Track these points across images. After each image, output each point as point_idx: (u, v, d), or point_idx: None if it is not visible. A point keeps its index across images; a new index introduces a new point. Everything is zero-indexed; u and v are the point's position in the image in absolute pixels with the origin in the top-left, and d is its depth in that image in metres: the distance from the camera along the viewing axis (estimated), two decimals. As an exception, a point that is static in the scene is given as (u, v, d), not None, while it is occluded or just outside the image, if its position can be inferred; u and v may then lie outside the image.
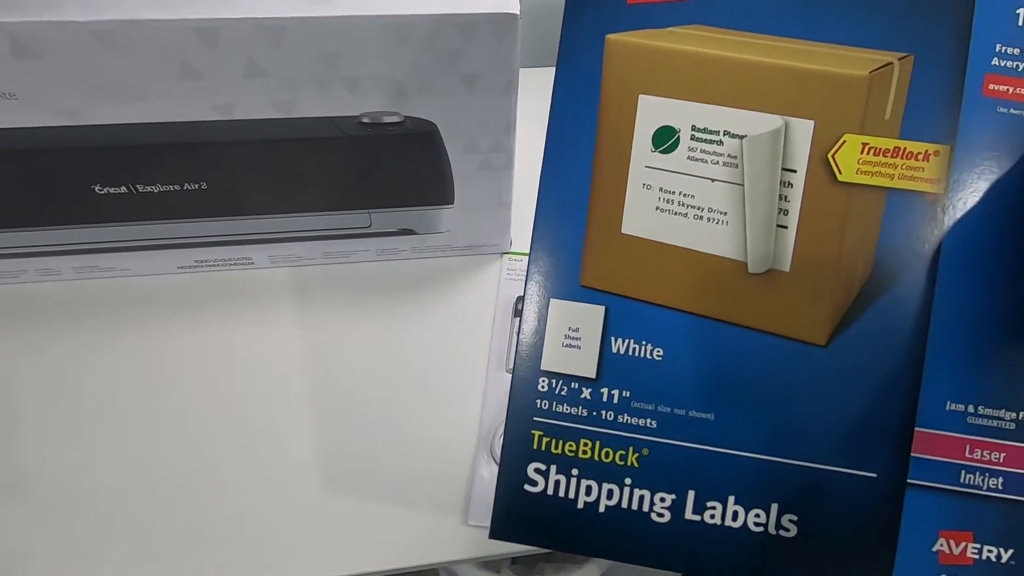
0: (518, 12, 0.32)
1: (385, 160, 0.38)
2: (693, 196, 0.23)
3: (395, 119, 0.36)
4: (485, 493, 0.35)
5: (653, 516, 0.22)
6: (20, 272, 0.42)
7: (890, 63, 0.21)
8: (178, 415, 0.39)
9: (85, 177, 0.36)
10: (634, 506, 0.22)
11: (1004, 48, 0.21)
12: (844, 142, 0.21)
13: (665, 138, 0.22)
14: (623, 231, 0.23)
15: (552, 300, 0.24)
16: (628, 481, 0.22)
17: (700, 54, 0.22)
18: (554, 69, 0.24)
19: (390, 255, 0.46)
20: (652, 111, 0.22)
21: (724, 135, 0.22)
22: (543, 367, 0.24)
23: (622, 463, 0.22)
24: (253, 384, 0.40)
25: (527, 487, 0.23)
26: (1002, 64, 0.21)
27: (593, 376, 0.23)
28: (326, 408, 0.39)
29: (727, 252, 0.22)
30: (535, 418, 0.24)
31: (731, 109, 0.22)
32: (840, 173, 0.21)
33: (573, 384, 0.23)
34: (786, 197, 0.22)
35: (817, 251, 0.22)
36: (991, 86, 0.21)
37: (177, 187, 0.38)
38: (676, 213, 0.23)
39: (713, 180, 0.22)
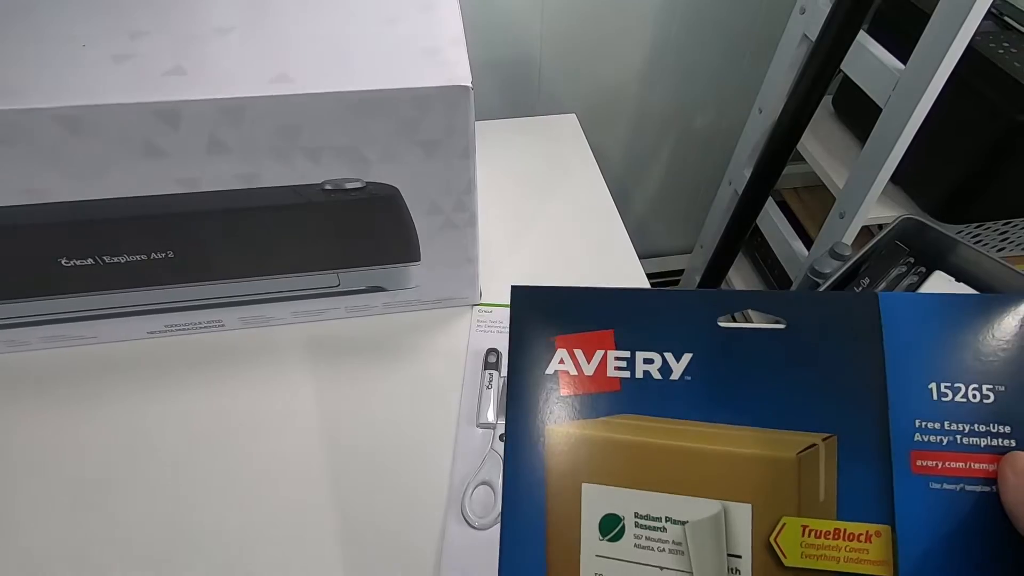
0: (470, 84, 0.33)
1: (349, 223, 0.39)
2: None
3: (357, 184, 0.37)
4: (455, 554, 0.35)
5: None
6: (-13, 345, 0.42)
7: (815, 444, 0.22)
8: (150, 481, 0.38)
9: (50, 251, 0.37)
10: None
11: (924, 423, 0.21)
12: (784, 525, 0.21)
13: (611, 526, 0.23)
14: None
15: None
16: None
17: (635, 442, 0.23)
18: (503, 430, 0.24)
19: (361, 311, 0.46)
20: (596, 499, 0.23)
21: (667, 521, 0.22)
22: None
23: None
24: (224, 446, 0.40)
25: None
26: (925, 439, 0.21)
27: None
28: (297, 468, 0.39)
29: None
30: None
31: (670, 495, 0.22)
32: (785, 557, 0.21)
33: None
34: None
35: None
36: (919, 462, 0.21)
37: (144, 257, 0.38)
38: None
39: (662, 568, 0.22)
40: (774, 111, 0.74)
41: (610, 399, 0.23)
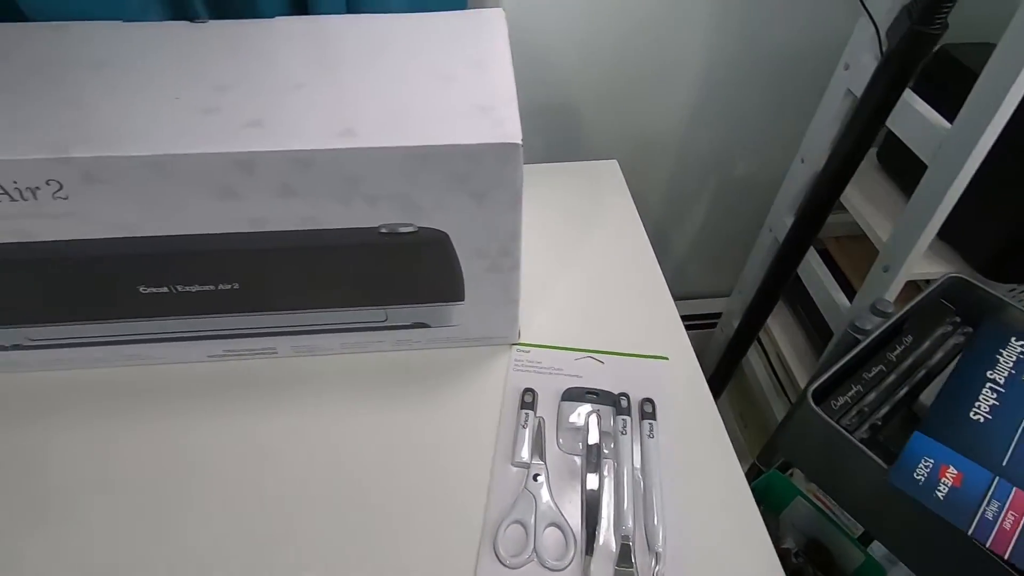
0: (520, 142, 0.35)
1: (400, 263, 0.41)
2: None
3: (410, 229, 0.39)
4: (486, 592, 0.36)
5: None
6: (71, 360, 0.46)
7: None
8: (197, 498, 0.41)
9: (132, 279, 0.40)
10: None
11: None
12: None
13: None
14: None
15: None
16: None
17: None
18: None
19: (405, 346, 0.49)
20: None
21: None
22: None
23: None
24: (268, 471, 0.42)
25: None
26: None
27: None
28: (335, 497, 0.41)
29: None
30: None
31: None
32: None
33: None
34: None
35: None
36: None
37: (212, 287, 0.41)
38: None
39: None
40: (817, 161, 0.75)
41: None
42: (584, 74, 0.75)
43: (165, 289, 0.41)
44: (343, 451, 0.43)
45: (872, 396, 0.46)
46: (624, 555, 0.37)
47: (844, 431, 0.41)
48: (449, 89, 0.39)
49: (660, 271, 0.56)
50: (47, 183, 0.34)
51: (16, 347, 0.44)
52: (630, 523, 0.38)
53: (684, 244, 1.00)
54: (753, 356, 0.97)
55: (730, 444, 0.43)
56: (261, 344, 0.47)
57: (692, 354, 0.49)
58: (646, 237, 0.60)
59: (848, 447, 0.41)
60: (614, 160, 0.71)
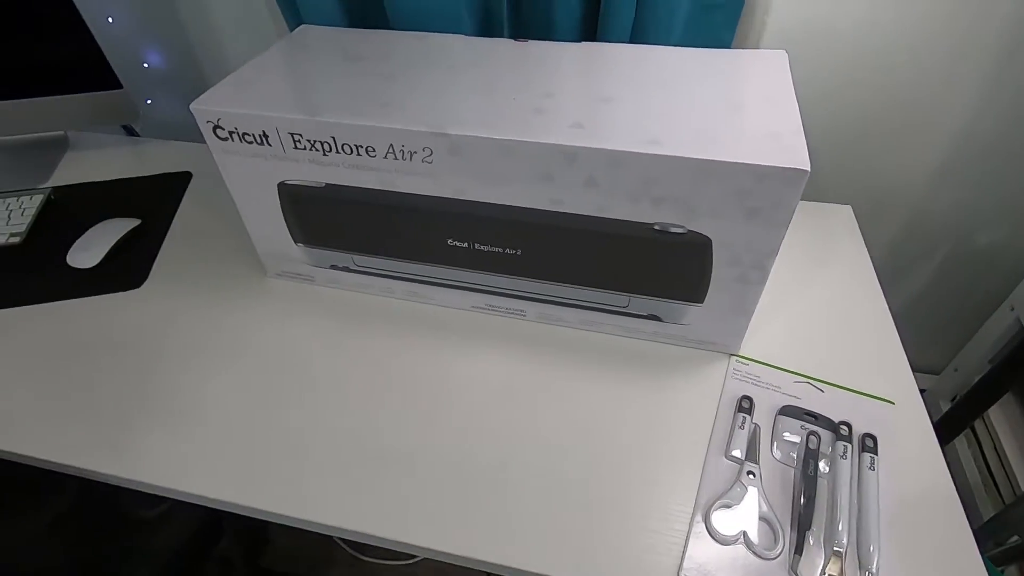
0: (807, 168, 0.39)
1: (660, 258, 0.47)
2: None
3: (679, 230, 0.45)
4: (696, 556, 0.40)
5: None
6: (372, 287, 0.59)
7: None
8: (443, 418, 0.49)
9: (446, 232, 0.51)
10: None
11: None
12: None
13: None
14: None
15: None
16: None
17: None
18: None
19: (632, 333, 0.55)
20: None
21: None
22: None
23: None
24: (502, 412, 0.50)
25: None
26: None
27: None
28: (557, 453, 0.47)
29: None
30: None
31: None
32: None
33: None
34: None
35: None
36: None
37: (499, 250, 0.51)
38: None
39: None
40: (1094, 243, 0.67)
41: None
42: (832, 117, 0.75)
43: (465, 244, 0.52)
44: (569, 412, 0.50)
45: None
46: (835, 565, 0.38)
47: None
48: (741, 116, 0.44)
49: (892, 320, 0.56)
50: (423, 149, 0.46)
51: (345, 268, 0.58)
52: (844, 541, 0.40)
53: (897, 306, 0.94)
54: (960, 443, 0.88)
55: (961, 508, 0.42)
56: (516, 305, 0.56)
57: (921, 405, 0.49)
58: (878, 285, 0.60)
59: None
60: (848, 206, 0.71)
